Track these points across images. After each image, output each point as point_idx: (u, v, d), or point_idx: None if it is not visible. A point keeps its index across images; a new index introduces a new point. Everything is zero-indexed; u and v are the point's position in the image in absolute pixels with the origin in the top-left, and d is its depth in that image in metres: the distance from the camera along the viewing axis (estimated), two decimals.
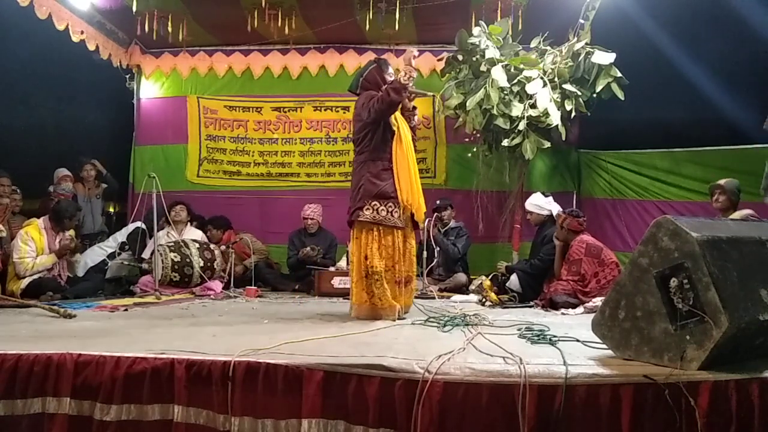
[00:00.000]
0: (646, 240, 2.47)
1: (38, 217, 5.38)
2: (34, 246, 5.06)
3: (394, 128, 4.01)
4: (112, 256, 5.83)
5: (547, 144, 5.69)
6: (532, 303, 4.87)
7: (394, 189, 3.91)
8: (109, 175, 6.57)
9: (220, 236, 6.43)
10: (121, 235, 6.02)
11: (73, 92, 7.29)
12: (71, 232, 5.35)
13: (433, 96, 5.79)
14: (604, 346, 2.62)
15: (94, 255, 5.80)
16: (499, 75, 5.49)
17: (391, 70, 4.20)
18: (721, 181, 4.75)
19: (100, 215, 6.49)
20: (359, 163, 4.01)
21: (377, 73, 4.11)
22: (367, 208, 3.86)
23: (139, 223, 5.85)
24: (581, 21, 5.80)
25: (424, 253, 5.31)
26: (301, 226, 6.40)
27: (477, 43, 5.72)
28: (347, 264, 5.81)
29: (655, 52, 5.98)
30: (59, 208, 5.32)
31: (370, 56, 6.95)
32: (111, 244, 5.95)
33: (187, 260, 5.52)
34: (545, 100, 5.49)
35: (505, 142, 5.70)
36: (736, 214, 4.59)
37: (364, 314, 3.85)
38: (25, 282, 4.97)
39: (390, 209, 3.89)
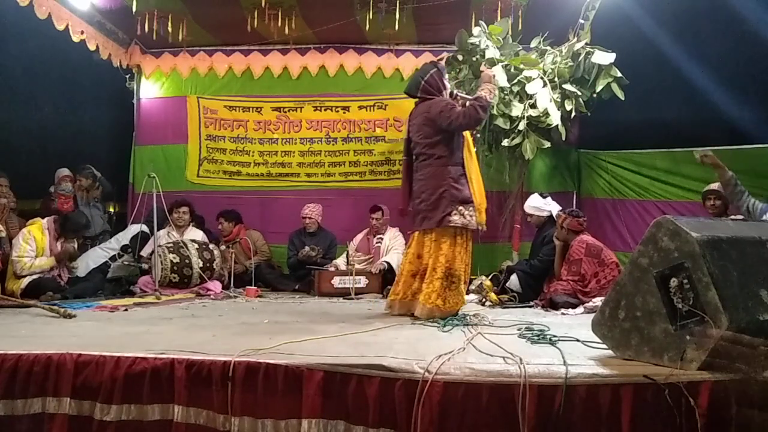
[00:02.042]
0: (646, 240, 2.47)
1: (42, 218, 5.36)
2: (34, 246, 5.05)
3: (463, 134, 4.14)
4: (114, 258, 5.82)
5: (547, 144, 5.68)
6: (532, 303, 4.88)
7: (470, 193, 4.02)
8: (103, 179, 6.52)
9: (230, 229, 6.45)
10: (124, 238, 6.01)
11: (73, 92, 7.28)
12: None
13: None
14: (604, 346, 2.62)
15: (96, 256, 5.79)
16: (499, 75, 5.49)
17: (447, 75, 4.27)
18: (714, 186, 4.76)
19: (99, 218, 6.40)
20: (437, 167, 4.00)
21: (438, 78, 4.13)
22: (455, 213, 3.92)
23: (143, 227, 5.83)
24: (581, 21, 5.80)
25: None
26: (301, 226, 6.41)
27: (477, 43, 5.71)
28: (347, 263, 5.83)
29: (655, 52, 5.98)
30: (69, 218, 5.35)
31: (370, 56, 6.99)
32: (113, 245, 5.94)
33: (187, 261, 5.51)
34: (545, 100, 5.48)
35: (505, 142, 5.70)
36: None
37: (431, 314, 3.85)
38: (24, 282, 4.96)
39: (471, 213, 3.99)
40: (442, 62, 4.92)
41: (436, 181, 3.98)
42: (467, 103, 3.98)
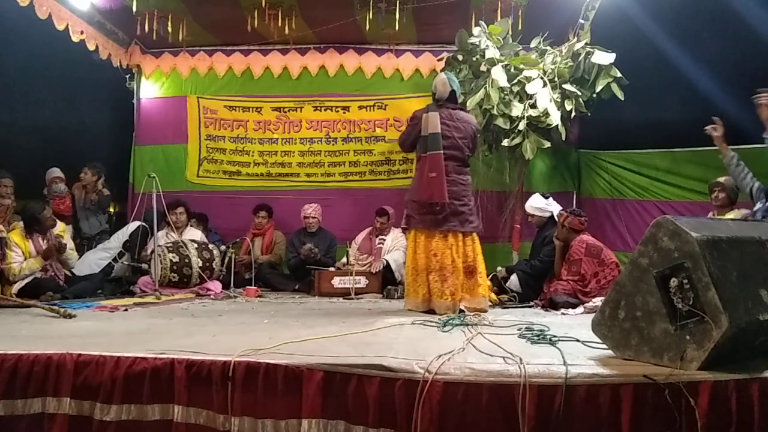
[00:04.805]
0: (646, 240, 2.46)
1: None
2: (20, 251, 4.96)
3: None
4: (115, 259, 5.81)
5: (547, 144, 5.69)
6: (532, 303, 4.88)
7: None
8: (104, 191, 6.47)
9: (265, 224, 6.55)
10: (125, 235, 5.99)
11: (73, 92, 7.30)
12: (62, 229, 5.27)
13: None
14: (604, 346, 2.62)
15: (97, 258, 5.78)
16: (499, 75, 5.50)
17: None
18: (721, 179, 4.79)
19: (96, 219, 6.32)
20: (469, 176, 4.40)
21: None
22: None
23: (140, 223, 5.84)
24: (581, 21, 5.80)
25: None
26: (301, 226, 6.41)
27: (477, 43, 5.72)
28: (347, 262, 5.83)
29: (655, 52, 5.99)
30: (24, 211, 5.17)
31: (370, 56, 7.00)
32: (114, 244, 5.92)
33: (186, 260, 5.51)
34: (545, 100, 5.49)
35: (505, 142, 5.71)
36: (733, 213, 4.62)
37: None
38: (16, 287, 4.88)
39: None
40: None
41: (470, 189, 4.37)
42: None
